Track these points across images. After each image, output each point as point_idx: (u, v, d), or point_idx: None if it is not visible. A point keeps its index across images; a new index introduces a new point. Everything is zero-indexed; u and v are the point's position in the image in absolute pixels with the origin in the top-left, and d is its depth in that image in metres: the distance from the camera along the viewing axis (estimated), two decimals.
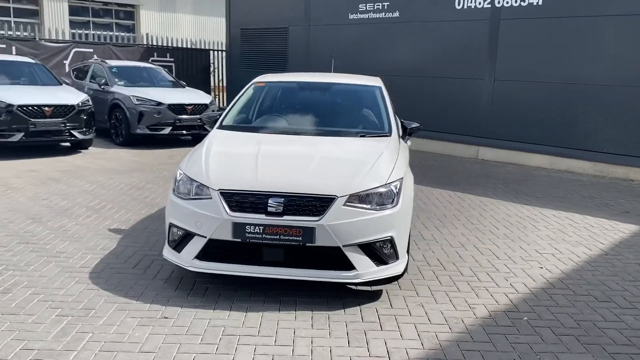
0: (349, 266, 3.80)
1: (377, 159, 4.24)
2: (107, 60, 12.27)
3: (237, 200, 3.82)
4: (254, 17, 15.05)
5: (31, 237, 5.12)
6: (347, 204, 3.79)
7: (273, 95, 5.60)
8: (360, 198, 3.85)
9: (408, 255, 4.41)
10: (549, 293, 4.27)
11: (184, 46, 16.64)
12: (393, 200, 3.96)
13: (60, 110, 9.18)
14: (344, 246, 3.75)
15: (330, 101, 5.54)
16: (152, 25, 26.88)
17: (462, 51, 10.86)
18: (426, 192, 7.60)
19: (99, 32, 15.67)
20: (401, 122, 5.24)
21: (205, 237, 3.84)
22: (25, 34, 13.74)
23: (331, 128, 4.98)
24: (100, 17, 26.32)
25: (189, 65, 16.26)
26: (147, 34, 16.33)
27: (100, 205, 6.29)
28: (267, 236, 3.74)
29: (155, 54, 15.68)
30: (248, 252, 3.84)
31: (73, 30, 21.61)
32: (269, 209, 3.76)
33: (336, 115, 5.26)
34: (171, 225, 4.08)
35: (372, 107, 5.19)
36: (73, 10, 25.31)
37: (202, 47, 16.95)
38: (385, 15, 12.04)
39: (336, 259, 3.78)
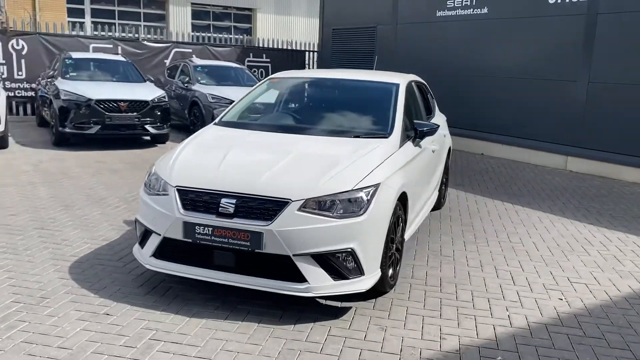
0: (300, 278, 3.45)
1: (353, 162, 3.82)
2: (194, 60, 12.78)
3: (191, 198, 3.64)
4: (345, 17, 14.86)
5: (50, 224, 5.35)
6: (303, 209, 3.44)
7: (283, 91, 5.34)
8: (320, 203, 3.48)
9: (392, 270, 3.96)
10: (552, 331, 3.56)
11: (281, 47, 16.89)
12: (361, 208, 3.54)
13: (135, 105, 9.65)
14: (294, 255, 3.41)
15: (338, 98, 5.17)
16: (268, 28, 27.82)
17: (554, 50, 9.77)
18: (480, 203, 6.90)
19: (197, 34, 16.37)
20: (414, 122, 4.72)
21: (160, 235, 3.71)
22: (129, 35, 14.77)
23: (327, 127, 4.62)
24: (220, 20, 27.73)
25: (284, 65, 16.42)
26: (243, 36, 16.82)
27: (133, 197, 6.45)
28: (216, 239, 3.51)
29: (251, 54, 16.10)
30: (199, 254, 3.64)
31: (193, 33, 22.94)
32: (220, 209, 3.53)
33: (338, 114, 4.87)
34: (136, 221, 4.01)
35: (381, 106, 4.73)
36: (195, 14, 26.93)
37: (297, 48, 17.09)
38: (473, 11, 11.22)
39: (286, 268, 3.46)
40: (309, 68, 17.09)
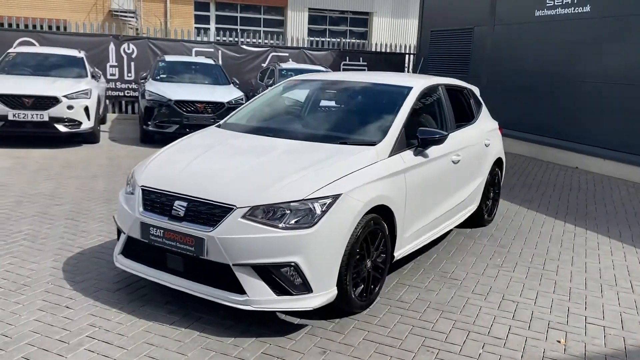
0: (240, 289, 3.28)
1: (318, 170, 3.55)
2: (280, 63, 12.98)
3: (152, 199, 3.63)
4: (442, 19, 14.25)
5: (82, 215, 5.67)
6: (248, 216, 3.27)
7: (295, 94, 5.16)
8: (267, 212, 3.29)
9: (365, 289, 3.64)
10: None
11: (379, 50, 16.63)
12: (312, 219, 3.28)
13: (212, 106, 10.02)
14: (234, 265, 3.25)
15: (343, 102, 4.87)
16: (384, 32, 27.64)
17: None
18: (537, 223, 6.17)
19: (313, 38, 16.62)
20: (419, 130, 4.30)
21: (125, 233, 3.75)
22: (230, 39, 15.41)
23: (318, 132, 4.38)
24: (336, 24, 28.06)
25: (381, 69, 16.17)
26: (340, 40, 16.79)
27: None
28: (166, 241, 3.47)
29: (347, 57, 16.03)
30: (155, 255, 3.61)
31: (310, 38, 23.52)
32: (173, 212, 3.48)
33: (337, 118, 4.60)
34: (114, 218, 4.09)
35: (381, 111, 4.38)
36: (312, 19, 27.51)
37: (396, 51, 16.70)
38: (574, 10, 10.14)
39: (228, 278, 3.30)
40: (407, 72, 16.64)
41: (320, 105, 4.96)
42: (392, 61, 16.37)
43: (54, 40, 13.28)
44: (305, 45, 15.88)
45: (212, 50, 14.61)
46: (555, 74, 10.54)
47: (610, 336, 3.59)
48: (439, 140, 4.29)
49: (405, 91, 4.53)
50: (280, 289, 3.28)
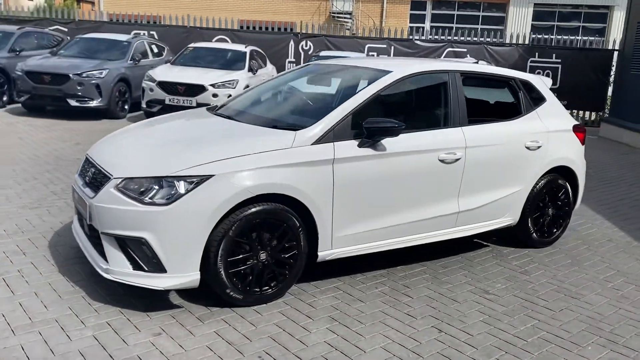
0: (105, 257, 3.34)
1: (200, 148, 3.39)
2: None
3: (84, 165, 3.89)
4: None
5: None
6: (120, 187, 3.28)
7: (299, 75, 4.85)
8: (134, 184, 3.26)
9: (233, 279, 3.38)
10: None
11: (575, 46, 14.51)
12: (171, 197, 3.17)
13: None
14: (102, 233, 3.32)
15: (324, 86, 4.42)
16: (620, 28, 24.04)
17: None
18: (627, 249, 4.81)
19: (465, 25, 15.46)
20: (368, 120, 3.72)
21: None
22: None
23: (270, 115, 4.10)
24: (566, 20, 25.40)
25: (580, 68, 14.09)
26: (520, 34, 15.09)
27: None
28: (78, 205, 3.72)
29: (536, 54, 14.38)
30: (79, 217, 3.87)
31: (533, 35, 21.90)
32: (86, 177, 3.70)
33: (294, 102, 4.22)
34: None
35: (344, 96, 3.91)
36: (537, 15, 25.36)
37: (597, 47, 14.35)
38: None
39: (101, 245, 3.39)
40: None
41: (302, 89, 4.65)
42: (594, 59, 14.13)
43: (244, 38, 14.75)
44: (456, 40, 14.72)
45: (384, 46, 14.57)
46: None
47: None
48: (389, 132, 3.66)
49: (379, 76, 3.98)
50: (136, 264, 3.23)
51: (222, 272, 3.28)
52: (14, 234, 4.45)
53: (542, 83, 4.91)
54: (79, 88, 10.21)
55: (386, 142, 3.75)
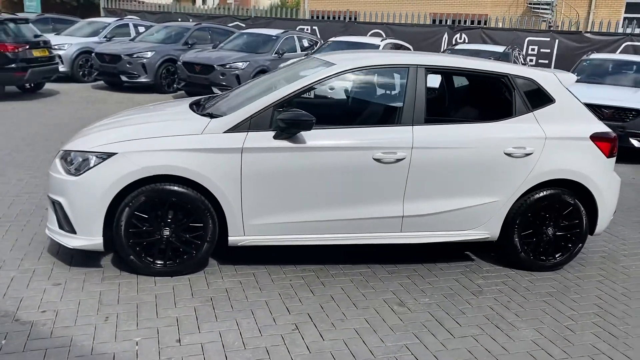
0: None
1: (120, 128, 3.84)
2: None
3: None
4: None
5: None
6: (60, 158, 3.84)
7: (287, 69, 4.83)
8: (68, 156, 3.80)
9: (137, 250, 3.72)
10: None
11: None
12: (82, 169, 3.64)
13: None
14: (48, 196, 3.94)
15: (291, 78, 4.31)
16: None
17: None
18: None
19: None
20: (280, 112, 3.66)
21: None
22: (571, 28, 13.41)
23: (222, 108, 4.23)
24: None
25: None
26: None
27: None
28: None
29: None
30: None
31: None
32: None
33: (251, 94, 4.23)
34: None
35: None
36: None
37: None
38: None
39: None
40: None
41: (269, 84, 4.64)
42: None
43: (397, 31, 14.75)
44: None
45: (547, 39, 13.20)
46: None
47: None
48: (299, 125, 3.59)
49: (319, 69, 3.89)
50: (59, 224, 3.79)
51: (124, 240, 3.65)
52: None
53: (555, 81, 4.18)
54: (221, 78, 11.44)
55: (306, 136, 3.70)
